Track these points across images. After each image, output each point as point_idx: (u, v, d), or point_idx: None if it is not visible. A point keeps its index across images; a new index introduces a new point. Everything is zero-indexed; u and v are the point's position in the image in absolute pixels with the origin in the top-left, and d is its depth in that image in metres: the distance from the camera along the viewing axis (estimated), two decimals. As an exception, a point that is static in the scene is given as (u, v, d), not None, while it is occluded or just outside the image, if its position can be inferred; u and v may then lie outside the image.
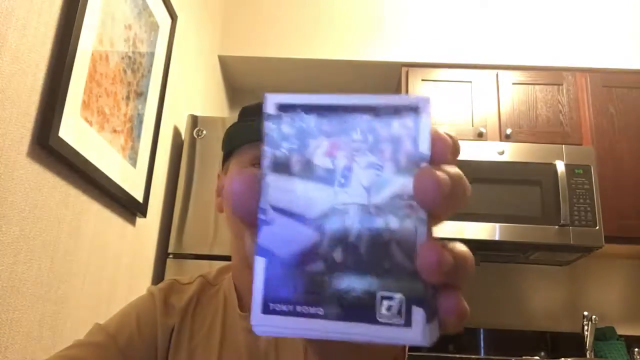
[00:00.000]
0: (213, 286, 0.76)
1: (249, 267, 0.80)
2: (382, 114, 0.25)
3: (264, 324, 0.25)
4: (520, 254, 2.30)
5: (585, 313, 2.27)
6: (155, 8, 1.75)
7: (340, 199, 0.25)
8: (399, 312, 0.24)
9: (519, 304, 2.52)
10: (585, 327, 2.24)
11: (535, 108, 2.42)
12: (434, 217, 0.25)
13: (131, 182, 1.59)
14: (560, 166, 2.17)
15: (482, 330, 2.45)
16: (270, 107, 0.27)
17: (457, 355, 2.15)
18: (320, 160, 0.26)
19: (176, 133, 2.09)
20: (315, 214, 0.25)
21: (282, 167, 0.26)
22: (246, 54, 2.63)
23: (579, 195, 2.16)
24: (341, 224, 0.25)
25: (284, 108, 0.27)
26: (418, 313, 0.23)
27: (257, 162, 0.71)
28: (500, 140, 2.36)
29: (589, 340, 2.23)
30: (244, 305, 0.71)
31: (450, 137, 0.26)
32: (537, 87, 2.46)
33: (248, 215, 0.26)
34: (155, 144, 1.77)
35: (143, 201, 1.68)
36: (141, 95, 1.67)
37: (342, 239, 0.25)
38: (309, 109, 0.26)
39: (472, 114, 2.42)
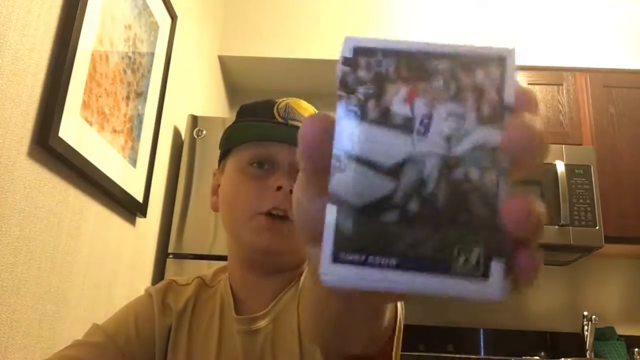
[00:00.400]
0: (210, 287, 0.76)
1: (245, 269, 0.79)
2: (465, 62, 0.24)
3: (333, 273, 0.23)
4: (520, 254, 2.30)
5: (585, 313, 2.27)
6: (155, 8, 1.75)
7: (419, 147, 0.24)
8: (477, 265, 0.23)
9: (519, 304, 2.52)
10: (585, 327, 2.24)
11: (535, 108, 2.42)
12: (517, 170, 0.24)
13: (131, 182, 1.59)
14: (560, 166, 2.17)
15: (482, 330, 2.45)
16: (347, 50, 0.25)
17: (457, 356, 2.15)
18: (399, 107, 0.24)
19: (176, 133, 2.09)
20: (392, 163, 0.24)
21: (357, 112, 0.25)
22: (246, 54, 2.63)
23: (579, 195, 2.16)
24: (419, 174, 0.24)
25: (361, 52, 0.25)
26: (497, 266, 0.23)
27: (254, 162, 0.70)
28: (500, 140, 2.35)
29: (588, 341, 2.23)
30: (240, 307, 0.71)
31: (531, 91, 0.25)
32: (537, 87, 2.46)
33: (320, 160, 0.24)
34: (155, 144, 1.77)
35: (143, 201, 1.68)
36: (141, 95, 1.67)
37: (419, 189, 0.24)
38: (388, 53, 0.25)
39: (472, 114, 2.42)
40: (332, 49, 2.61)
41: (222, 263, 0.80)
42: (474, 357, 2.17)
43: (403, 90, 0.25)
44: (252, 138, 0.72)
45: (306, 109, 0.74)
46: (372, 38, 0.25)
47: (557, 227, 2.11)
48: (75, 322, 1.31)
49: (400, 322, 0.52)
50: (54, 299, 1.22)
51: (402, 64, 0.25)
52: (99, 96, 1.38)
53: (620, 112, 2.40)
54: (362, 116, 0.25)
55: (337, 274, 0.23)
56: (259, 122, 0.72)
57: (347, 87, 0.25)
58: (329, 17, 2.67)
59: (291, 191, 0.67)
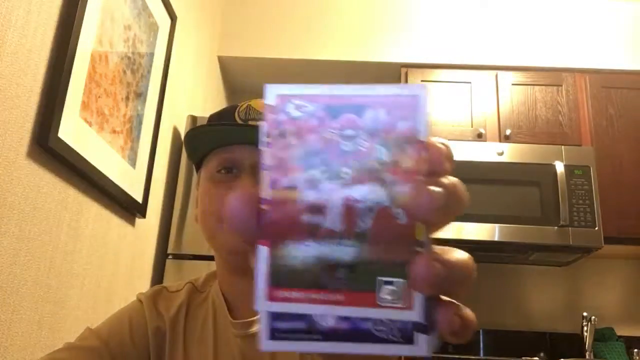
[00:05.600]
0: (201, 293, 0.76)
1: (232, 274, 0.78)
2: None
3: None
4: (520, 254, 2.30)
5: (585, 314, 2.27)
6: (155, 8, 1.75)
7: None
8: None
9: (518, 305, 2.52)
10: (585, 328, 2.24)
11: (534, 109, 2.42)
12: (430, 226, 0.25)
13: (130, 183, 1.59)
14: (560, 167, 2.17)
15: (481, 331, 2.45)
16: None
17: (457, 356, 2.15)
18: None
19: (175, 134, 2.09)
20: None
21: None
22: (245, 55, 2.63)
23: (578, 195, 2.16)
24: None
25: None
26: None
27: (221, 168, 0.71)
28: (500, 141, 2.36)
29: (588, 341, 2.23)
30: (233, 312, 0.71)
31: (445, 144, 0.26)
32: (536, 87, 2.46)
33: (246, 234, 0.26)
34: (154, 145, 1.77)
35: (142, 202, 1.68)
36: (140, 95, 1.67)
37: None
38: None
39: (472, 114, 2.42)
40: (331, 50, 2.62)
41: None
42: (473, 357, 2.17)
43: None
44: (213, 145, 0.72)
45: None
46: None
47: (556, 227, 2.11)
48: (75, 323, 1.31)
49: None
50: (53, 300, 1.22)
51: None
52: (99, 97, 1.38)
53: (619, 113, 2.40)
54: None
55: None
56: (219, 126, 0.72)
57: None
58: (329, 17, 2.67)
59: None
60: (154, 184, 1.80)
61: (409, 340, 0.25)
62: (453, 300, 0.25)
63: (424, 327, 0.25)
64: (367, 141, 0.26)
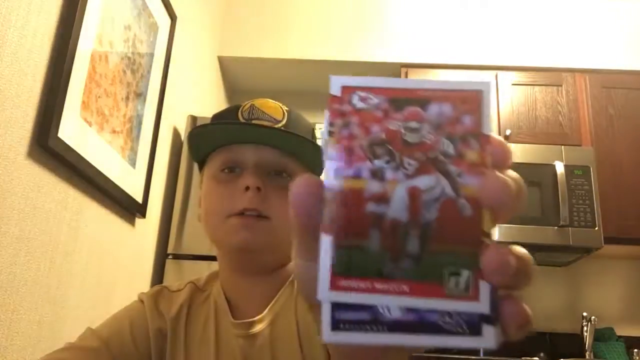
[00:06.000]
0: (203, 292, 0.76)
1: (234, 273, 0.78)
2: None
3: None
4: (520, 254, 2.30)
5: (585, 314, 2.27)
6: (155, 9, 1.75)
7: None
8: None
9: (518, 305, 2.52)
10: (585, 328, 2.24)
11: (534, 109, 2.42)
12: (497, 216, 0.25)
13: (130, 183, 1.59)
14: (560, 167, 2.17)
15: (481, 331, 2.45)
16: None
17: (457, 356, 2.15)
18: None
19: (175, 134, 2.09)
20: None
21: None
22: (245, 55, 2.63)
23: (578, 196, 2.16)
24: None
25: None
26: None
27: (224, 167, 0.71)
28: (500, 141, 2.35)
29: (588, 341, 2.23)
30: (234, 312, 0.71)
31: (505, 141, 0.26)
32: (536, 88, 2.46)
33: (307, 220, 0.26)
34: (154, 145, 1.77)
35: (142, 202, 1.68)
36: (140, 95, 1.67)
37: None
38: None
39: (472, 114, 2.42)
40: (331, 50, 2.61)
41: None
42: (473, 357, 2.17)
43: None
44: (217, 144, 0.72)
45: (273, 107, 0.74)
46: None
47: (556, 227, 2.11)
48: (75, 323, 1.31)
49: None
50: (53, 300, 1.22)
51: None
52: (99, 97, 1.38)
53: (619, 113, 2.40)
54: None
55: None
56: (223, 125, 0.72)
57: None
58: (329, 17, 2.67)
59: (259, 188, 0.67)
60: (153, 184, 1.80)
61: (476, 332, 0.25)
62: (514, 294, 0.25)
63: (491, 319, 0.24)
64: (432, 134, 0.26)
